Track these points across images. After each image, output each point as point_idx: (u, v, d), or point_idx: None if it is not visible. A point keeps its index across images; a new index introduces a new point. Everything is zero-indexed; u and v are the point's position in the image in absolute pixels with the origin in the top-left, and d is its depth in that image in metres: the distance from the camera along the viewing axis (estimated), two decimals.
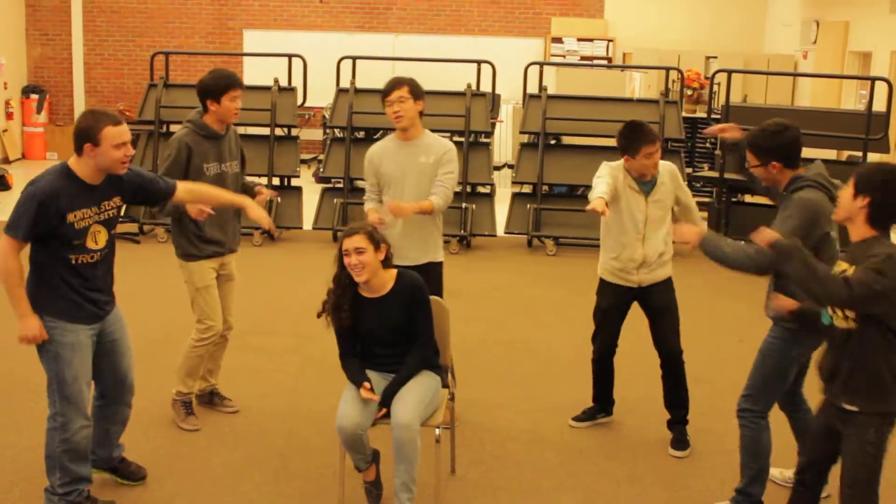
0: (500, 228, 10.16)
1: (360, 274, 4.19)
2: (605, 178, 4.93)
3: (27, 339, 4.07)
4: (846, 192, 3.54)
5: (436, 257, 5.19)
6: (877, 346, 3.51)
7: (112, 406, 4.43)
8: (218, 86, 5.00)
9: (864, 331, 3.51)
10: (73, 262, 4.06)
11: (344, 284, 4.28)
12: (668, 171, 5.06)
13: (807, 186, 4.15)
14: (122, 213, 4.29)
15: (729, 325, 7.46)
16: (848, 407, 3.60)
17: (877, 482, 3.63)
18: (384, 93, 5.08)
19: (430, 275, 4.95)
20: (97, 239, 4.10)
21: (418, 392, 4.23)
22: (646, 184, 5.00)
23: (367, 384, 4.20)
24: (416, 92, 5.06)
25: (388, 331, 4.30)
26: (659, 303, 5.11)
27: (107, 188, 4.13)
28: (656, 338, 5.15)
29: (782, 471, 4.77)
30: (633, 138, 4.92)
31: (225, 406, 5.47)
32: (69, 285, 4.08)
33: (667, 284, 5.13)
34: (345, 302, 4.28)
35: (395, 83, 5.09)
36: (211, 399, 5.49)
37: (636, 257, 5.04)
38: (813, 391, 4.16)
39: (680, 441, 5.15)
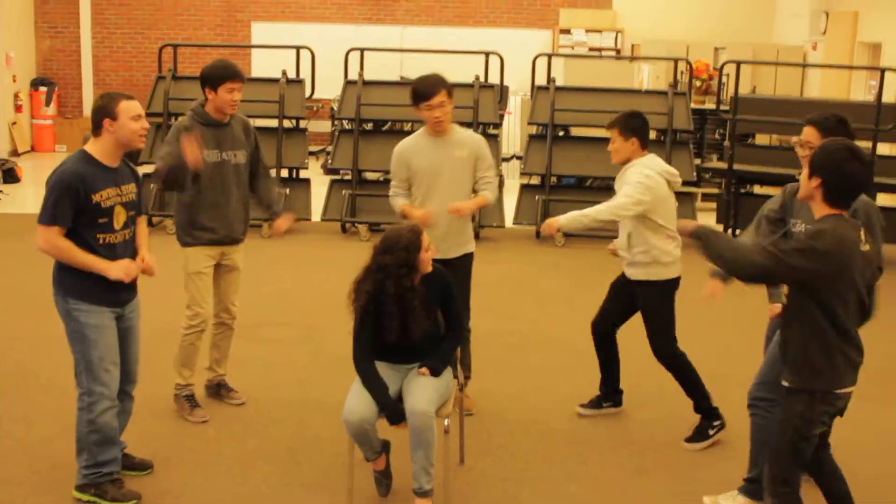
0: (509, 220, 10.15)
1: (429, 266, 4.31)
2: None
3: (129, 276, 4.20)
4: (804, 172, 3.61)
5: (470, 248, 5.34)
6: (807, 325, 3.53)
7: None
8: (215, 76, 5.09)
9: (797, 308, 3.57)
10: (100, 241, 4.15)
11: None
12: (637, 170, 4.94)
13: None
14: (139, 202, 4.37)
15: (738, 320, 7.44)
16: (784, 383, 3.65)
17: (799, 458, 3.62)
18: (423, 95, 4.94)
19: (465, 264, 5.23)
20: (118, 220, 4.21)
21: (433, 381, 4.29)
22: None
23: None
24: (451, 91, 5.04)
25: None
26: (638, 303, 5.13)
27: (124, 172, 4.28)
28: None
29: None
30: None
31: (231, 398, 5.48)
32: None
33: (645, 287, 5.05)
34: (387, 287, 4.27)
35: (434, 85, 4.96)
36: (218, 390, 5.51)
37: (619, 241, 5.12)
38: None
39: (697, 433, 5.11)
